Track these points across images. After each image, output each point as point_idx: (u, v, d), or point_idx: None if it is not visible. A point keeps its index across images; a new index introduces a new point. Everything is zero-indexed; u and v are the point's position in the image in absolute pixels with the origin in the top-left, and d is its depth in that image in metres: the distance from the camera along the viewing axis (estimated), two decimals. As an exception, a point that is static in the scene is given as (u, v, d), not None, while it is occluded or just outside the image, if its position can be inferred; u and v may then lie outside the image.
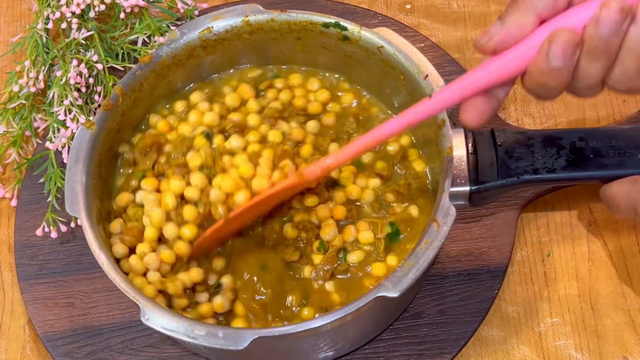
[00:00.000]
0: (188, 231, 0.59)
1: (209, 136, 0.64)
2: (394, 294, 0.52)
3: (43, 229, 0.68)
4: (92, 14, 0.72)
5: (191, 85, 0.70)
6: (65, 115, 0.69)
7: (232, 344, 0.51)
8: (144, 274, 0.59)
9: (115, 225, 0.62)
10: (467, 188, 0.57)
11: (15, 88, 0.71)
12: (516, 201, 0.67)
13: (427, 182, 0.64)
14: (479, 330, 0.63)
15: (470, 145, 0.59)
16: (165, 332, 0.53)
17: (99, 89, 0.70)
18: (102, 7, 0.73)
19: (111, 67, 0.71)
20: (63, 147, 0.69)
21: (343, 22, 0.64)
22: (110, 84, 0.69)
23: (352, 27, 0.64)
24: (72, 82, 0.70)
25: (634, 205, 0.54)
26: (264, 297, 0.59)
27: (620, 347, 0.62)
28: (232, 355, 0.60)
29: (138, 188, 0.63)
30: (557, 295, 0.65)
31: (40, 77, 0.71)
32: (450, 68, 0.75)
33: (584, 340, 0.63)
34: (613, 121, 0.72)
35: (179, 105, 0.69)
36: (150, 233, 0.60)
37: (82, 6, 0.72)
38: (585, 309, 0.64)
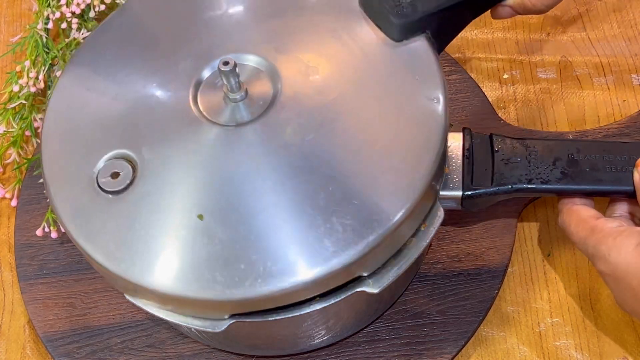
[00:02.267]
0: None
1: None
2: (374, 290, 0.52)
3: (43, 229, 0.68)
4: (92, 14, 0.73)
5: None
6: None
7: (210, 326, 0.52)
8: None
9: None
10: (460, 193, 0.57)
11: (15, 88, 0.71)
12: (516, 201, 0.67)
13: None
14: (479, 330, 0.63)
15: (467, 149, 0.58)
16: (148, 310, 0.53)
17: (99, 89, 0.71)
18: (102, 7, 0.73)
19: (111, 67, 0.71)
20: (63, 147, 0.69)
21: None
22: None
23: None
24: (72, 82, 0.70)
25: (590, 257, 0.55)
26: None
27: (620, 347, 0.62)
28: (225, 339, 0.60)
29: None
30: (557, 295, 0.65)
31: (40, 77, 0.72)
32: (450, 68, 0.75)
33: (584, 340, 0.63)
34: (613, 121, 0.72)
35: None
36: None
37: (82, 6, 0.72)
38: (585, 309, 0.64)
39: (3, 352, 0.66)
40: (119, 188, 0.52)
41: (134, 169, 0.52)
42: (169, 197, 0.51)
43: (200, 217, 0.50)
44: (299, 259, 0.49)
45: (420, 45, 0.56)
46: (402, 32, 0.56)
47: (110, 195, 0.52)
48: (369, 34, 0.57)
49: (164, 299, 0.50)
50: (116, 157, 0.53)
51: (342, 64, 0.56)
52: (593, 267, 0.66)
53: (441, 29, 0.58)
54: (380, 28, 0.57)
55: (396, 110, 0.53)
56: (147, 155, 0.53)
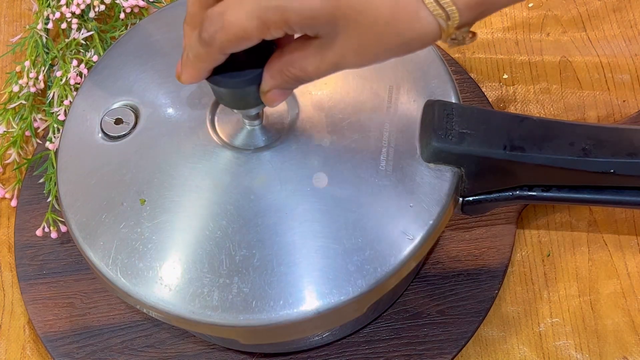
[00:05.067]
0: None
1: None
2: None
3: (43, 229, 0.68)
4: (92, 14, 0.73)
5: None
6: (65, 115, 0.69)
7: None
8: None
9: None
10: (460, 198, 0.55)
11: (15, 88, 0.71)
12: (516, 201, 0.67)
13: None
14: (479, 330, 0.63)
15: None
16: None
17: (99, 89, 0.71)
18: (102, 7, 0.73)
19: (111, 67, 0.71)
20: (63, 147, 0.69)
21: None
22: (110, 84, 0.69)
23: None
24: (72, 82, 0.70)
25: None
26: None
27: (620, 347, 0.62)
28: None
29: None
30: (557, 296, 0.65)
31: (40, 77, 0.72)
32: (450, 68, 0.74)
33: (584, 340, 0.63)
34: (613, 121, 0.72)
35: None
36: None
37: (82, 6, 0.72)
38: (585, 309, 0.64)
39: (3, 352, 0.66)
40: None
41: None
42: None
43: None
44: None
45: (442, 177, 0.51)
46: (433, 156, 0.51)
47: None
48: (404, 131, 0.53)
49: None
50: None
51: (359, 122, 0.53)
52: (593, 267, 0.66)
53: (482, 175, 0.53)
54: (419, 137, 0.52)
55: (372, 219, 0.50)
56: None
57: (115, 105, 0.56)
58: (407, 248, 0.49)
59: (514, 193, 0.55)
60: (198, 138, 0.54)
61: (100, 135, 0.55)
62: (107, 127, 0.55)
